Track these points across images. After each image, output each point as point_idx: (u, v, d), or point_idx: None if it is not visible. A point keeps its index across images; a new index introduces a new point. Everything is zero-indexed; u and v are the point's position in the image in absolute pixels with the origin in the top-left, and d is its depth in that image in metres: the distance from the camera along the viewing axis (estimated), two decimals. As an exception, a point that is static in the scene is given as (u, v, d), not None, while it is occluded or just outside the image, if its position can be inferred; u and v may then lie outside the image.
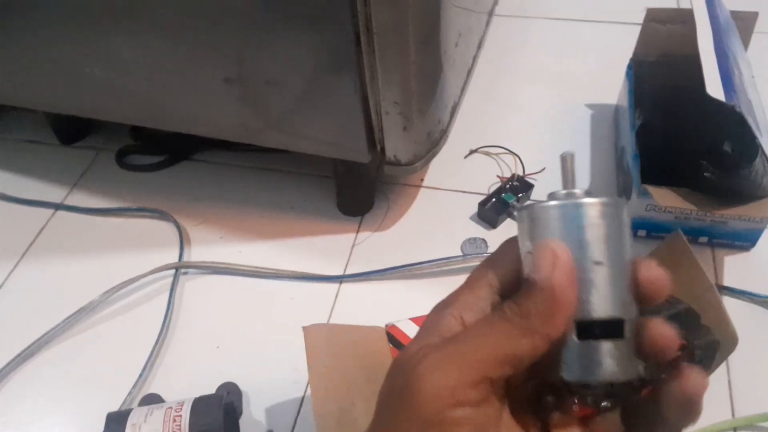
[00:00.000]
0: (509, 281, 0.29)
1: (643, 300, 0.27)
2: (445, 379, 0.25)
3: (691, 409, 0.26)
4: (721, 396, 0.59)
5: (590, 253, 0.27)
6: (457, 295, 0.30)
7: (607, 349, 0.27)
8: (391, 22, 0.54)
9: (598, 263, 0.27)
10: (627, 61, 0.80)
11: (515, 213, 0.30)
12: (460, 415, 0.25)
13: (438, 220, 0.76)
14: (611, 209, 0.27)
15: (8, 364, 0.65)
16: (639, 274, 0.27)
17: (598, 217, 0.27)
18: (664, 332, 0.27)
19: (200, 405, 0.54)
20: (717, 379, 0.60)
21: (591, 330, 0.27)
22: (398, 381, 0.27)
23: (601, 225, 0.27)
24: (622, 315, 0.27)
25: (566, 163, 0.30)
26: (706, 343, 0.48)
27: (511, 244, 0.30)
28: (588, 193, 0.28)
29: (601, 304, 0.27)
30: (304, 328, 0.51)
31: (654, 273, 0.27)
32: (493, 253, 0.31)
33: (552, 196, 0.29)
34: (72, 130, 0.89)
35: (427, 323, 0.29)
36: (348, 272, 0.71)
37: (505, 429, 0.28)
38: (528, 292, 0.26)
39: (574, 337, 0.27)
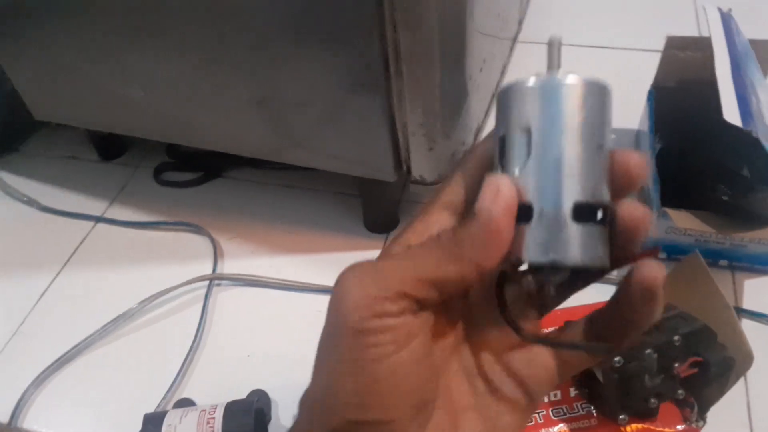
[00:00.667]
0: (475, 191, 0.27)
1: (619, 188, 0.27)
2: (364, 290, 0.26)
3: (650, 300, 0.26)
4: (741, 417, 0.60)
5: (572, 136, 0.26)
6: (409, 223, 0.30)
7: (579, 231, 0.26)
8: (419, 48, 0.57)
9: (581, 147, 0.26)
10: (648, 87, 0.82)
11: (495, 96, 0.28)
12: (378, 325, 0.26)
13: (461, 239, 0.78)
14: (594, 91, 0.27)
15: (49, 367, 0.69)
16: (614, 160, 0.27)
17: (581, 98, 0.26)
18: (635, 212, 0.26)
19: (233, 409, 0.57)
20: (736, 400, 0.61)
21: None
22: (332, 292, 0.28)
23: (582, 107, 0.26)
24: (601, 199, 0.26)
25: (553, 47, 0.28)
26: (722, 361, 0.50)
27: (481, 146, 0.29)
28: (571, 74, 0.27)
29: (579, 188, 0.26)
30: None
31: (630, 158, 0.27)
32: (460, 161, 0.30)
33: (534, 78, 0.27)
34: (112, 147, 0.93)
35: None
36: (373, 287, 0.73)
37: (443, 339, 0.29)
38: (465, 221, 0.26)
39: (543, 218, 0.26)
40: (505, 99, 0.27)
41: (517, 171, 0.27)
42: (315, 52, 0.60)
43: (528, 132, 0.27)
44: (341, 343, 0.27)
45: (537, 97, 0.27)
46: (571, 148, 0.26)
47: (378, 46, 0.57)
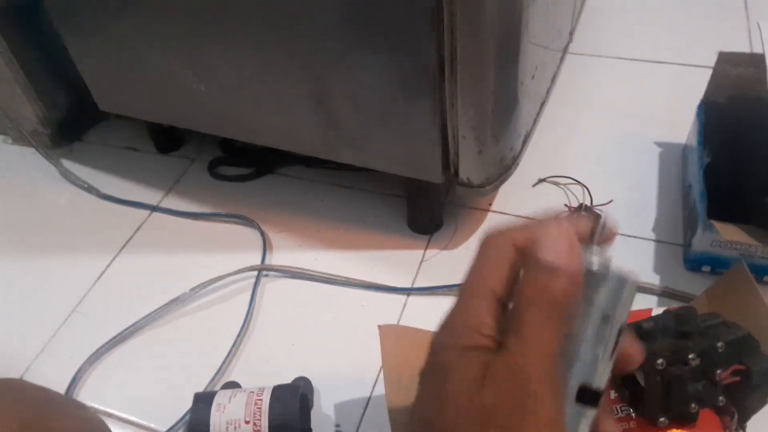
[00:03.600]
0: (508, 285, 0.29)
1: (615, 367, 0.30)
2: None
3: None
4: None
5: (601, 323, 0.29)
6: (453, 306, 0.30)
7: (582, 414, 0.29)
8: (475, 51, 0.59)
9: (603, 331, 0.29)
10: (697, 102, 0.82)
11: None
12: None
13: (504, 243, 0.79)
14: (631, 288, 0.29)
15: (104, 345, 0.72)
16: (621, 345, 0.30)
17: (625, 296, 0.29)
18: (631, 349, 0.31)
19: (280, 392, 0.59)
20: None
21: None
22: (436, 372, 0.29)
23: (626, 303, 0.29)
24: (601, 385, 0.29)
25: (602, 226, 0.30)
26: (764, 370, 0.50)
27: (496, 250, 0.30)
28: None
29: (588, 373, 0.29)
30: (380, 327, 0.55)
31: (631, 348, 0.31)
32: (483, 258, 0.30)
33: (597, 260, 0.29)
34: (169, 141, 0.97)
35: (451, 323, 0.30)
36: (416, 285, 0.75)
37: None
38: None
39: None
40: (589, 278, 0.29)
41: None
42: (373, 53, 0.63)
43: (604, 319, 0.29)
44: None
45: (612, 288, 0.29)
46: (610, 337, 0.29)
47: (435, 49, 0.59)
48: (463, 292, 0.30)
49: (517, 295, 0.28)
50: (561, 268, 0.27)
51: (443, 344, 0.29)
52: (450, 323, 0.30)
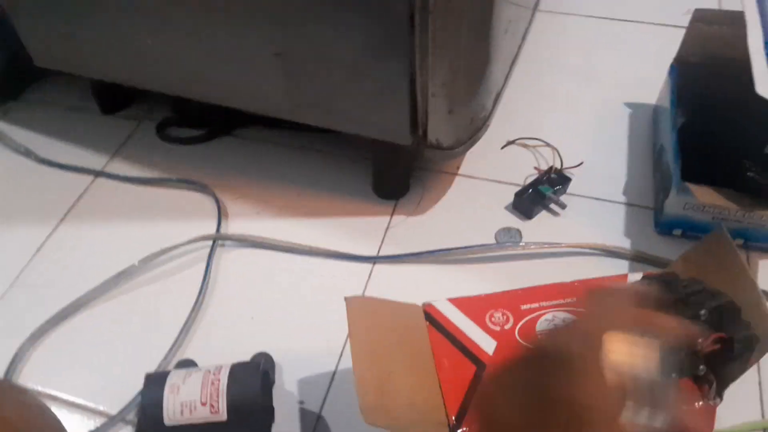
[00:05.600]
0: None
1: None
2: None
3: None
4: (752, 397, 0.59)
5: None
6: None
7: None
8: (447, 3, 0.55)
9: None
10: (668, 63, 0.80)
11: None
12: None
13: (472, 208, 0.76)
14: None
15: (46, 322, 0.67)
16: None
17: None
18: None
19: (238, 370, 0.55)
20: (748, 380, 0.60)
21: None
22: None
23: None
24: None
25: None
26: (745, 338, 0.48)
27: None
28: None
29: None
30: (346, 299, 0.52)
31: None
32: None
33: None
34: (114, 100, 0.90)
35: None
36: (381, 253, 0.72)
37: None
38: None
39: None
40: None
41: None
42: (340, 3, 0.58)
43: None
44: None
45: None
46: None
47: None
48: None
49: None
50: None
51: None
52: None
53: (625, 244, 0.71)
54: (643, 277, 0.55)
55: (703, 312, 0.47)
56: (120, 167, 0.83)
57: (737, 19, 0.67)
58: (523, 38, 0.86)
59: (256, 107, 0.72)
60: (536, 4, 0.96)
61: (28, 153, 0.85)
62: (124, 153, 0.85)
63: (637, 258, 0.70)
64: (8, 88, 0.93)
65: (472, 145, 0.70)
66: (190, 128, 0.86)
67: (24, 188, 0.82)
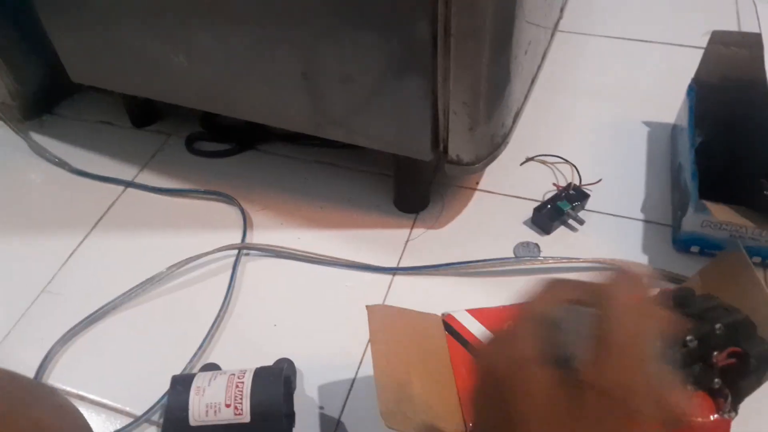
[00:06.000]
0: None
1: None
2: None
3: None
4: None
5: None
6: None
7: None
8: (470, 27, 0.57)
9: None
10: (686, 83, 0.81)
11: None
12: None
13: (491, 223, 0.78)
14: None
15: (76, 325, 0.69)
16: None
17: None
18: None
19: (262, 375, 0.57)
20: (765, 394, 0.60)
21: None
22: None
23: None
24: None
25: None
26: (761, 353, 0.49)
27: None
28: None
29: None
30: (368, 307, 0.53)
31: None
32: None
33: None
34: (145, 115, 0.93)
35: None
36: (401, 265, 0.73)
37: None
38: None
39: None
40: None
41: None
42: (363, 25, 0.60)
43: None
44: None
45: None
46: None
47: (428, 21, 0.57)
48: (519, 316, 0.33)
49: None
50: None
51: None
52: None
53: (642, 260, 0.72)
54: (659, 293, 0.55)
55: (718, 326, 0.48)
56: (149, 178, 0.86)
57: (755, 42, 0.68)
58: (543, 58, 0.88)
59: (282, 123, 0.74)
60: (556, 25, 0.98)
61: (62, 164, 0.88)
62: (154, 165, 0.88)
63: (654, 274, 0.71)
64: (44, 102, 0.97)
65: (491, 161, 0.71)
66: (218, 142, 0.89)
67: (58, 198, 0.85)
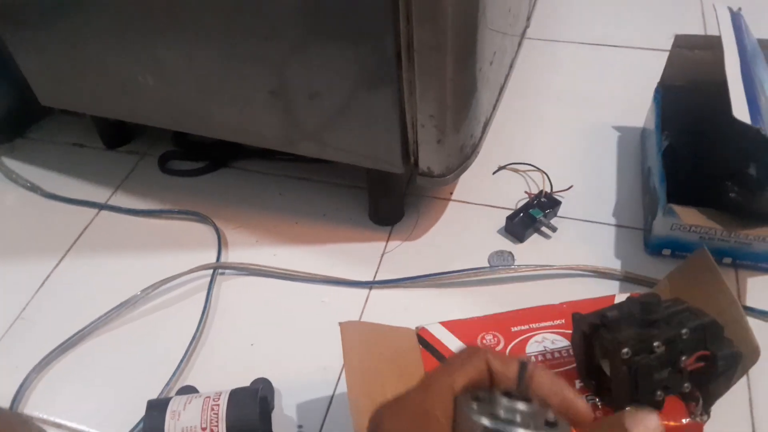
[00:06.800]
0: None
1: None
2: None
3: None
4: (743, 414, 0.60)
5: None
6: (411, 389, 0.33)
7: None
8: (432, 41, 0.57)
9: None
10: (654, 86, 0.82)
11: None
12: None
13: (466, 233, 0.78)
14: None
15: (51, 352, 0.68)
16: None
17: None
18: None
19: (237, 396, 0.57)
20: (739, 396, 0.61)
21: None
22: None
23: None
24: None
25: (523, 371, 0.31)
26: (729, 355, 0.49)
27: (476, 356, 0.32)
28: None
29: None
30: (341, 324, 0.54)
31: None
32: (455, 359, 0.32)
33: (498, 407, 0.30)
34: (117, 135, 0.93)
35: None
36: (378, 278, 0.73)
37: None
38: None
39: None
40: None
41: None
42: (329, 42, 0.60)
43: None
44: None
45: None
46: None
47: (391, 37, 0.57)
48: (425, 383, 0.32)
49: None
50: None
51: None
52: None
53: (615, 265, 0.73)
54: (627, 299, 0.56)
55: (684, 331, 0.48)
56: (123, 200, 0.86)
57: (717, 44, 0.69)
58: (511, 67, 0.89)
59: (254, 141, 0.74)
60: (523, 34, 0.99)
61: (34, 188, 0.88)
62: (127, 186, 0.88)
63: (627, 278, 0.71)
64: (15, 126, 0.96)
65: (462, 172, 0.72)
66: (191, 161, 0.89)
67: (31, 222, 0.85)
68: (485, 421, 0.29)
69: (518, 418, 0.29)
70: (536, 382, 0.31)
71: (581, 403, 0.32)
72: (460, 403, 0.30)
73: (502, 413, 0.30)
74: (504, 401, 0.30)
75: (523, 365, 0.31)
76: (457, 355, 0.33)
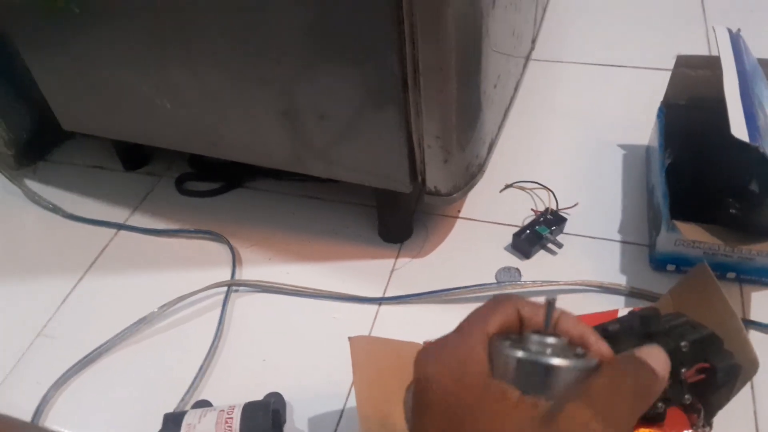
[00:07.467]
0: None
1: None
2: None
3: None
4: (747, 424, 0.61)
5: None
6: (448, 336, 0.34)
7: None
8: (437, 64, 0.60)
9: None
10: (658, 105, 0.84)
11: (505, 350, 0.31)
12: None
13: (473, 250, 0.80)
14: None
15: (71, 368, 0.71)
16: None
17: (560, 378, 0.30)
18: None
19: (250, 409, 0.58)
20: (743, 406, 0.62)
21: None
22: None
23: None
24: None
25: (550, 308, 0.33)
26: (729, 367, 0.50)
27: (507, 302, 0.34)
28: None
29: None
30: (350, 339, 0.55)
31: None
32: (487, 307, 0.34)
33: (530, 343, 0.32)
34: (135, 158, 0.96)
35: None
36: (387, 295, 0.75)
37: None
38: None
39: None
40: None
41: None
42: (336, 65, 0.63)
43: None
44: None
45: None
46: None
47: (397, 61, 0.60)
48: (462, 329, 0.34)
49: (602, 374, 0.31)
50: (661, 377, 0.31)
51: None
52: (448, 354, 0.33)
53: (620, 280, 0.74)
54: (629, 313, 0.57)
55: (684, 344, 0.49)
56: (141, 220, 0.88)
57: (717, 64, 0.71)
58: (516, 88, 0.91)
59: (266, 161, 0.77)
60: (528, 56, 1.01)
61: (55, 209, 0.91)
62: (145, 207, 0.90)
63: (632, 293, 0.73)
64: (37, 149, 1.00)
65: (468, 191, 0.74)
66: (207, 182, 0.92)
67: (52, 242, 0.88)
68: (519, 353, 0.31)
69: (549, 351, 0.31)
70: (561, 323, 0.34)
71: (603, 345, 0.34)
72: (494, 342, 0.32)
73: (533, 347, 0.32)
74: (534, 337, 0.32)
75: (551, 303, 0.33)
76: (489, 303, 0.35)
